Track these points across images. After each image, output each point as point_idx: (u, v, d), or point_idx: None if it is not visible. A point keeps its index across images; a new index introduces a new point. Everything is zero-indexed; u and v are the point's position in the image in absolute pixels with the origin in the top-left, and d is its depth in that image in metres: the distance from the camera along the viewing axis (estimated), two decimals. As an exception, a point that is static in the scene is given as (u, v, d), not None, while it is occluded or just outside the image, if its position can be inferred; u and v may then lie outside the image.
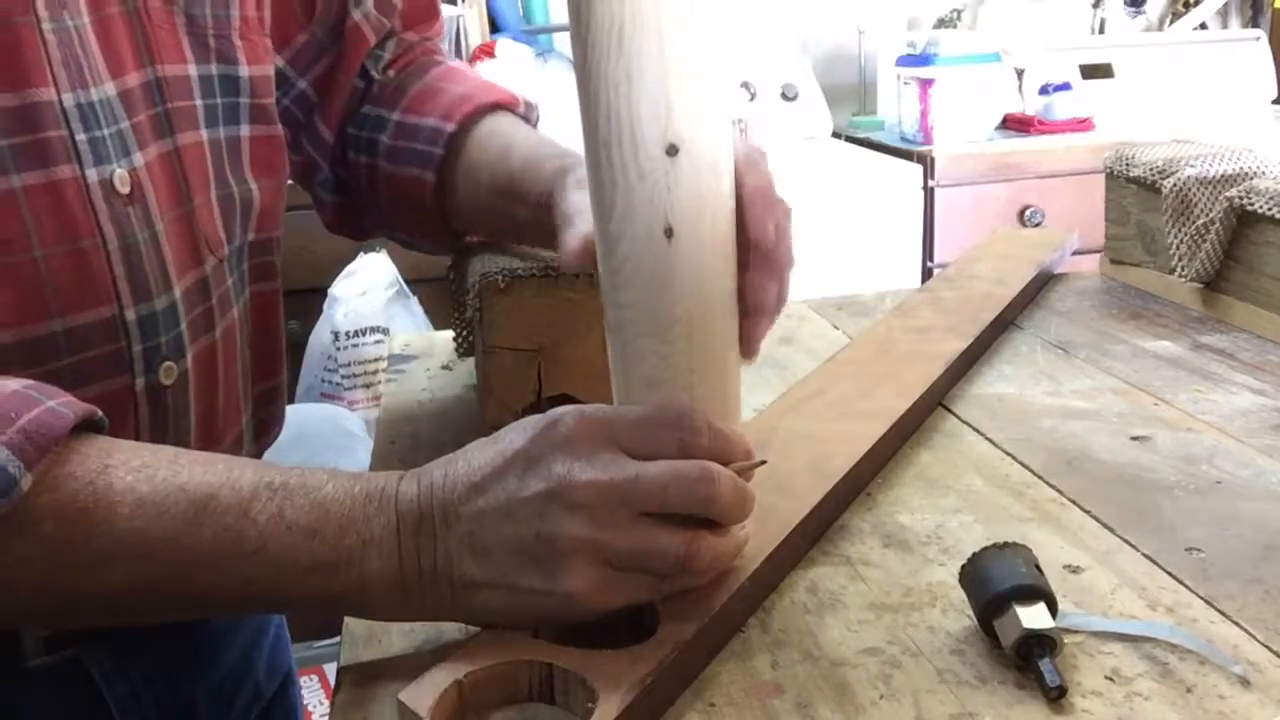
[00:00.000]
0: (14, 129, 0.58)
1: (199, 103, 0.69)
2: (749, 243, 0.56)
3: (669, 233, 0.52)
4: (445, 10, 1.96)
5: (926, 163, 2.46)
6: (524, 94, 0.89)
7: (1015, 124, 2.66)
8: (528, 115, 0.88)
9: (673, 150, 0.51)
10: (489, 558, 0.52)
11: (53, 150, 0.59)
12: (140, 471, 0.51)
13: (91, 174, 0.60)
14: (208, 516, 0.50)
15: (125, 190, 0.62)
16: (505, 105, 0.86)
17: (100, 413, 0.53)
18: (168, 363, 0.64)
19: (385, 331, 2.32)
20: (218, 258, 0.70)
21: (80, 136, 0.60)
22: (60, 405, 0.51)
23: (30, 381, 0.52)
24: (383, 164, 0.86)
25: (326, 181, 0.90)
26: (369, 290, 2.35)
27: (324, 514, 0.52)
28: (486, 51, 2.57)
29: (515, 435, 0.54)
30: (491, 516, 0.52)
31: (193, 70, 0.69)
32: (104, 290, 0.61)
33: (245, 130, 0.73)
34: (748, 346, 0.59)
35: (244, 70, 0.72)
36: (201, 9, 0.69)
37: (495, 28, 2.75)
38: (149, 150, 0.65)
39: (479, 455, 0.54)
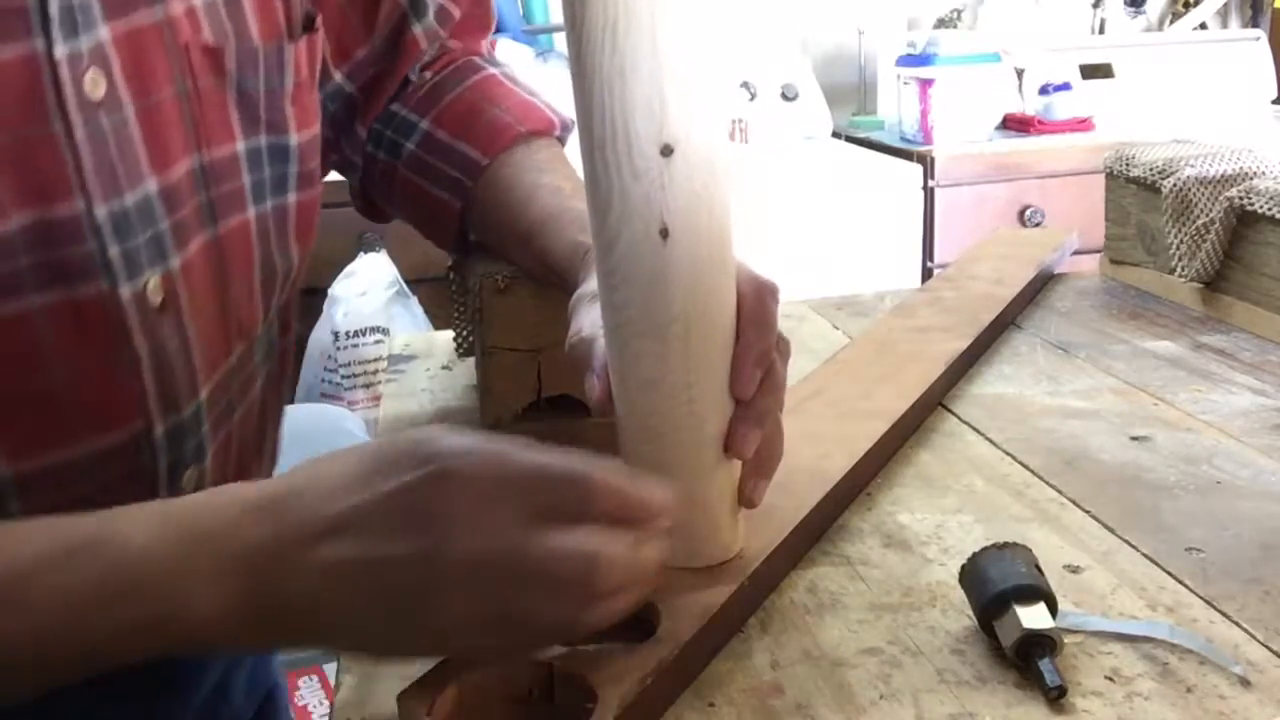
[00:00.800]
0: (30, 246, 0.53)
1: (246, 180, 0.66)
2: (731, 391, 0.56)
3: (664, 233, 0.52)
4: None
5: (926, 163, 2.46)
6: (559, 114, 0.87)
7: (1015, 124, 2.66)
8: (563, 136, 0.87)
9: (667, 150, 0.50)
10: (354, 608, 0.46)
11: (79, 267, 0.55)
12: None
13: (124, 290, 0.56)
14: None
15: (158, 300, 0.58)
16: (542, 132, 0.85)
17: None
18: (190, 469, 0.62)
19: (385, 331, 2.32)
20: (248, 341, 0.68)
21: (113, 251, 0.56)
22: None
23: None
24: (403, 169, 0.85)
25: (357, 174, 0.90)
26: (369, 290, 2.35)
27: (127, 575, 0.45)
28: (486, 51, 2.57)
29: (393, 471, 0.46)
30: (356, 566, 0.45)
31: (240, 146, 0.65)
32: (132, 408, 0.58)
33: (292, 198, 0.70)
34: (740, 496, 0.58)
35: (294, 139, 0.69)
36: (255, 82, 0.66)
37: (495, 28, 2.75)
38: (189, 247, 0.61)
39: (343, 487, 0.46)
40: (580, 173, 0.56)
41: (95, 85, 0.56)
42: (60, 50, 0.54)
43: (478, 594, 0.45)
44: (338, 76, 0.82)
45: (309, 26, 0.72)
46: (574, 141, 0.57)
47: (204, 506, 0.48)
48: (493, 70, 0.89)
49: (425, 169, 0.85)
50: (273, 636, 0.48)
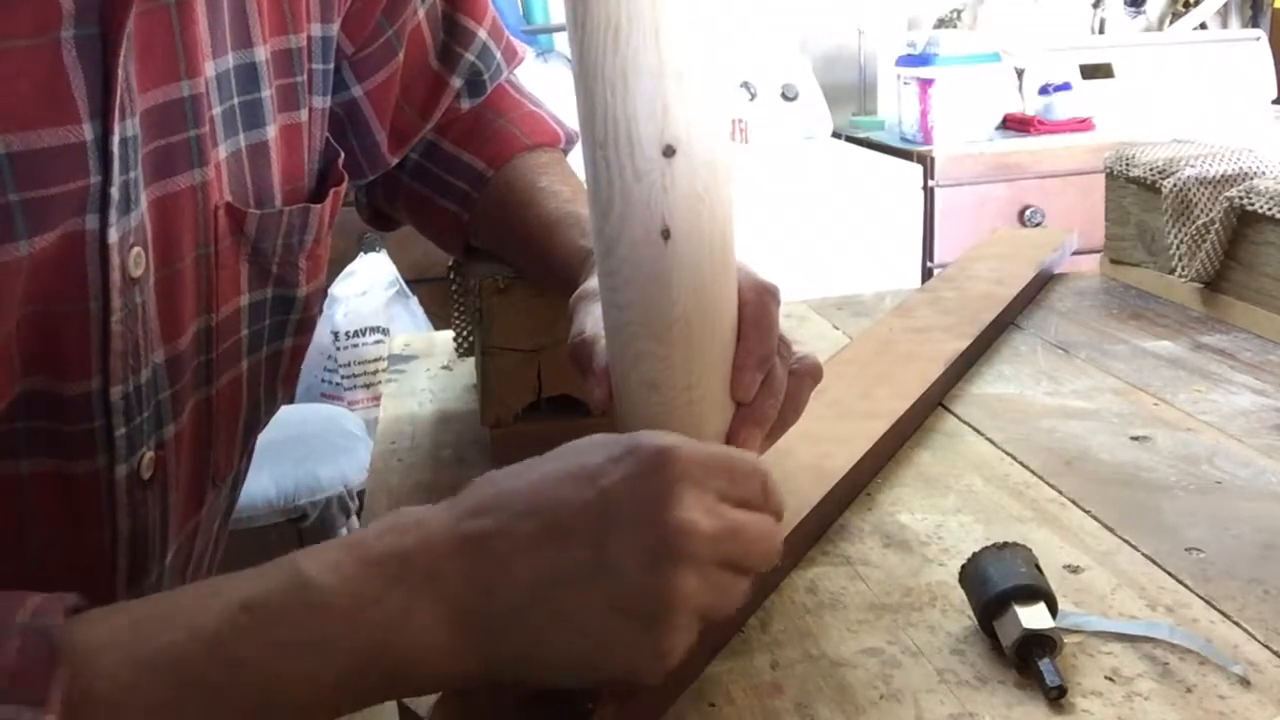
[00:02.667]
0: (30, 414, 0.52)
1: (245, 333, 0.65)
2: (732, 394, 0.55)
3: (666, 234, 0.51)
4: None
5: (926, 163, 2.46)
6: (565, 126, 0.87)
7: (1015, 124, 2.66)
8: (568, 148, 0.87)
9: (669, 151, 0.50)
10: (572, 614, 0.44)
11: (80, 443, 0.54)
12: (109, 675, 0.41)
13: (120, 469, 0.56)
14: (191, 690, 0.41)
15: (148, 475, 0.58)
16: (547, 145, 0.85)
17: (75, 596, 0.43)
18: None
19: (385, 331, 2.32)
20: (220, 488, 0.68)
21: (119, 431, 0.55)
22: (32, 615, 0.41)
23: None
24: (406, 179, 0.85)
25: (361, 186, 0.90)
26: (369, 290, 2.35)
27: (327, 616, 0.42)
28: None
29: (610, 466, 0.45)
30: (583, 569, 0.44)
31: (244, 300, 0.64)
32: (102, 579, 0.57)
33: (288, 343, 0.70)
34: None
35: (302, 290, 0.68)
36: (272, 241, 0.65)
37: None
38: (182, 416, 0.60)
39: (555, 486, 0.45)
40: (582, 175, 0.56)
41: (138, 263, 0.55)
42: (114, 233, 0.52)
43: (709, 578, 0.45)
44: (392, 163, 0.82)
45: (326, 172, 0.71)
46: (578, 143, 0.57)
47: (385, 529, 0.45)
48: (499, 80, 0.89)
49: (429, 179, 0.85)
50: (481, 665, 0.44)
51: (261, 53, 0.63)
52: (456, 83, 0.82)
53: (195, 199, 0.59)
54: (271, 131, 0.64)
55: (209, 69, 0.59)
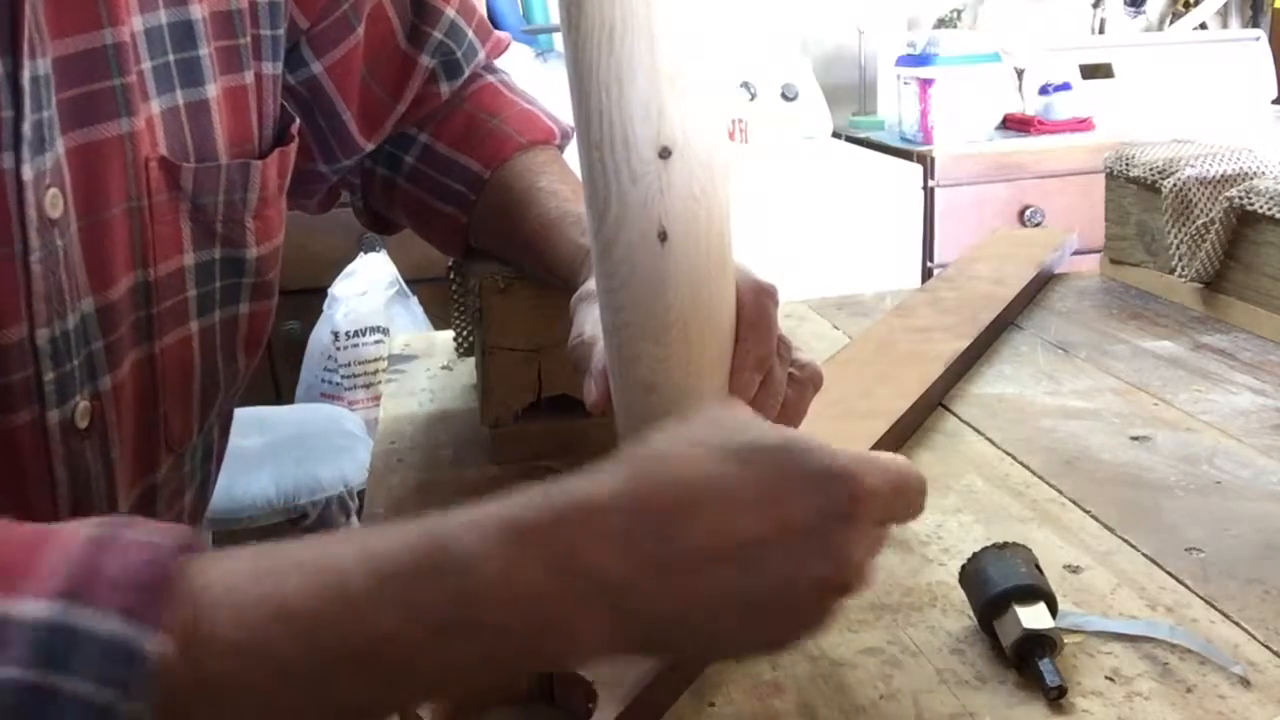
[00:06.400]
0: None
1: (192, 293, 0.64)
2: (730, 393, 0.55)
3: (663, 236, 0.51)
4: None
5: (926, 163, 2.46)
6: (559, 122, 0.87)
7: (1015, 124, 2.66)
8: (563, 144, 0.87)
9: (665, 153, 0.50)
10: (737, 626, 0.42)
11: (13, 394, 0.54)
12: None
13: (52, 415, 0.55)
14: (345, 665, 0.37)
15: (84, 424, 0.58)
16: (542, 142, 0.84)
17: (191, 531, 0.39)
18: None
19: (385, 331, 2.32)
20: (178, 453, 0.67)
21: (48, 376, 0.55)
22: (145, 536, 0.37)
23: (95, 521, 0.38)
24: (402, 183, 0.85)
25: (356, 190, 0.89)
26: (369, 290, 2.35)
27: (484, 600, 0.38)
28: (486, 51, 2.57)
29: (796, 498, 0.42)
30: (761, 593, 0.41)
31: (189, 260, 0.64)
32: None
33: (244, 308, 0.69)
34: None
35: (252, 252, 0.68)
36: (213, 198, 0.64)
37: (495, 27, 2.74)
38: (122, 366, 0.60)
39: (731, 514, 0.41)
40: (579, 175, 0.56)
41: (55, 204, 0.55)
42: (28, 171, 0.53)
43: (851, 589, 0.43)
44: (367, 147, 0.81)
45: (281, 139, 0.71)
46: (573, 144, 0.57)
47: (550, 521, 0.40)
48: (490, 79, 0.88)
49: (426, 182, 0.84)
50: (639, 637, 0.41)
51: (197, 11, 0.64)
52: (426, 60, 0.82)
53: (123, 149, 0.59)
54: (212, 90, 0.65)
55: (136, 23, 0.59)
